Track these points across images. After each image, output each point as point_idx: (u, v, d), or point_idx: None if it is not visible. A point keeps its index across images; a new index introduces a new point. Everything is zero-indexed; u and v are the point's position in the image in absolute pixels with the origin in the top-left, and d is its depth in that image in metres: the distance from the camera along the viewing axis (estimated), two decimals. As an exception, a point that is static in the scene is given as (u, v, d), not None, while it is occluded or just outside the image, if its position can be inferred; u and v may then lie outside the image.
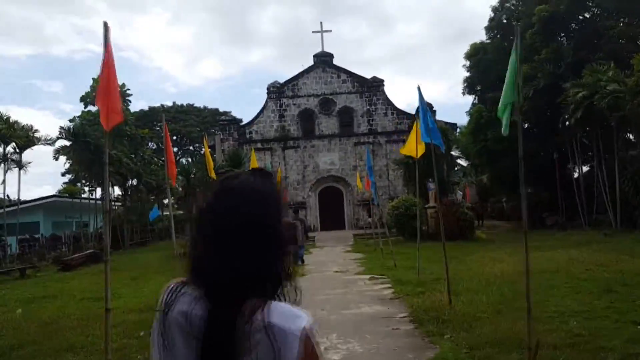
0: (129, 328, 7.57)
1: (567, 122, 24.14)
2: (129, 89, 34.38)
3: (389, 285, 10.33)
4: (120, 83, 24.68)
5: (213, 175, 10.30)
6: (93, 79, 33.68)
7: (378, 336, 6.41)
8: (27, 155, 24.81)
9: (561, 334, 5.87)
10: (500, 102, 5.54)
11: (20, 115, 54.68)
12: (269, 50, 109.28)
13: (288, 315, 1.16)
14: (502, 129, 5.67)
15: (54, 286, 14.83)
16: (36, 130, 23.76)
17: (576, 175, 30.01)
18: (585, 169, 28.75)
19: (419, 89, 8.65)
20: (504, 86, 5.44)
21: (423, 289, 9.24)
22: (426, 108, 8.43)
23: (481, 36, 34.24)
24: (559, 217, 28.37)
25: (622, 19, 27.06)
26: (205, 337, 1.16)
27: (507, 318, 6.65)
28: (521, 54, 5.37)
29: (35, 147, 25.03)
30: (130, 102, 34.85)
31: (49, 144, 23.68)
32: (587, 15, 28.13)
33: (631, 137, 25.95)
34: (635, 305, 7.04)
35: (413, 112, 32.48)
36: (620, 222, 21.36)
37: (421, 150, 10.61)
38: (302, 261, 16.41)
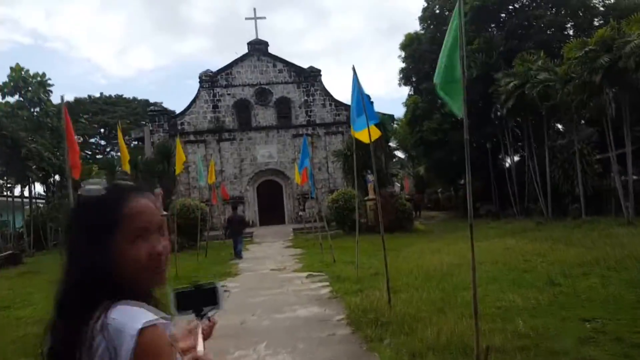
0: (30, 343, 6.55)
1: (499, 112, 24.51)
2: (49, 79, 31.98)
3: (327, 283, 9.77)
4: (40, 72, 22.46)
5: (127, 168, 9.30)
6: (11, 68, 31.10)
7: (312, 344, 5.79)
8: None
9: (507, 334, 5.47)
10: (440, 79, 4.87)
11: None
12: (203, 40, 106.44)
13: (128, 315, 1.12)
14: (455, 110, 5.02)
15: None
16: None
17: (508, 165, 30.80)
18: (516, 158, 29.48)
19: (353, 68, 8.03)
20: (444, 60, 4.81)
21: (361, 286, 8.73)
22: (361, 90, 7.80)
23: (416, 27, 34.41)
24: (492, 206, 28.98)
25: (550, 9, 27.83)
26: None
27: (450, 317, 6.21)
28: (465, 25, 4.81)
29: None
30: (51, 92, 32.38)
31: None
32: (517, 5, 28.72)
33: (560, 127, 26.83)
34: (580, 300, 6.80)
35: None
36: (552, 211, 21.89)
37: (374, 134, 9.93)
38: (241, 257, 16.29)
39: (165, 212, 20.74)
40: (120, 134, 9.51)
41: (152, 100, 55.99)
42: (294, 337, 6.12)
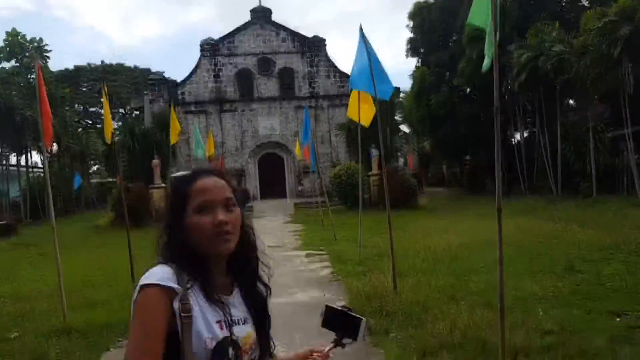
0: (0, 328, 5.99)
1: (510, 86, 23.53)
2: (46, 44, 31.04)
3: (328, 263, 9.16)
4: (37, 38, 21.41)
5: (108, 137, 8.61)
6: (7, 32, 30.15)
7: (310, 335, 5.14)
8: None
9: (529, 330, 4.84)
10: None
11: None
12: (209, 8, 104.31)
13: (150, 272, 1.32)
14: (485, 64, 4.33)
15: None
16: None
17: (516, 141, 29.94)
18: (525, 134, 28.64)
19: (360, 28, 7.21)
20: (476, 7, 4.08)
21: (364, 269, 8.12)
22: (370, 50, 6.93)
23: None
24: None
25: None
26: None
27: (463, 307, 5.59)
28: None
29: None
30: (49, 58, 31.54)
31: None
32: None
33: (572, 102, 25.88)
34: (604, 289, 6.17)
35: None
36: (562, 189, 21.21)
37: (370, 114, 9.18)
38: None
39: (164, 185, 20.20)
40: (105, 100, 8.70)
41: (154, 70, 55.00)
42: (291, 326, 5.50)
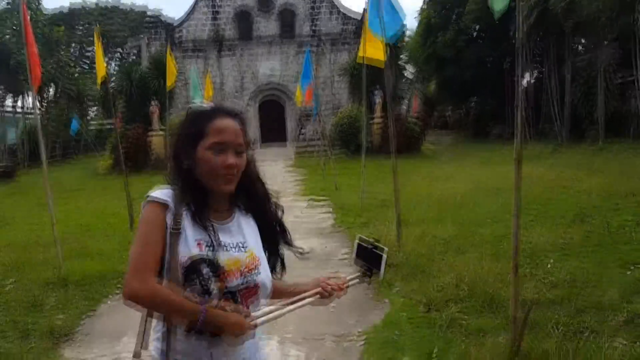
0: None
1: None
2: (36, -18, 29.82)
3: (330, 211, 8.97)
4: None
5: (98, 83, 8.21)
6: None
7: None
8: None
9: (540, 282, 4.67)
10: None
11: None
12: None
13: (154, 190, 1.51)
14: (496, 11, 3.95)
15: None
16: None
17: (523, 85, 29.22)
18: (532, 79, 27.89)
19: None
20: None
21: (367, 218, 7.93)
22: None
23: None
24: (504, 127, 27.81)
25: None
26: None
27: (469, 259, 5.42)
28: None
29: None
30: (40, -2, 30.37)
31: None
32: None
33: (580, 47, 25.01)
34: (614, 240, 5.97)
35: (360, 14, 30.08)
36: (568, 134, 20.83)
37: (378, 53, 8.65)
38: None
39: (163, 128, 19.83)
40: (98, 43, 8.22)
41: (151, 10, 53.06)
42: (290, 278, 5.35)
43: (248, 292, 1.51)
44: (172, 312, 1.41)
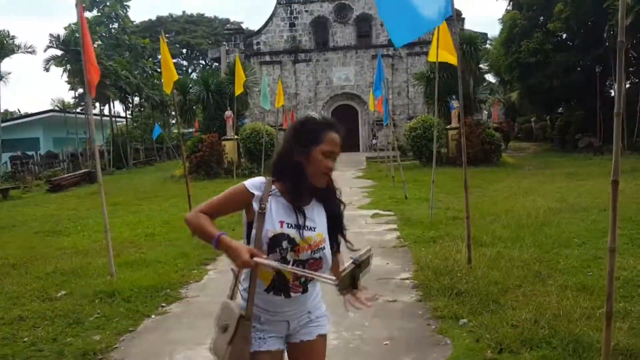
0: (53, 283, 5.86)
1: (613, 31, 20.76)
2: (127, -7, 31.52)
3: (395, 225, 8.42)
4: None
5: (168, 89, 8.10)
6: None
7: (367, 315, 4.52)
8: (10, 65, 22.78)
9: (635, 321, 3.92)
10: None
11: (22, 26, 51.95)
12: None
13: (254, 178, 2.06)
14: None
15: (26, 212, 13.32)
16: (13, 37, 21.47)
17: (613, 93, 26.96)
18: (626, 85, 25.64)
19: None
20: None
21: (435, 234, 7.31)
22: None
23: None
24: (593, 139, 25.78)
25: None
26: None
27: (552, 290, 4.71)
28: None
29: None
30: (129, 7, 32.09)
31: (29, 52, 21.46)
32: None
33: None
34: None
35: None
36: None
37: (449, 56, 8.14)
38: None
39: (234, 137, 20.08)
40: (164, 46, 8.15)
41: (232, 21, 54.87)
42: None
43: (314, 263, 1.95)
44: (200, 234, 1.94)
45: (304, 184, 1.95)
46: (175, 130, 40.22)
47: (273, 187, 1.97)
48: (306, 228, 1.95)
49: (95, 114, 29.69)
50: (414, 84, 27.48)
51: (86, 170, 21.99)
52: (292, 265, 1.88)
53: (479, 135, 19.54)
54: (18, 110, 43.77)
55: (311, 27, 30.95)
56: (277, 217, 1.93)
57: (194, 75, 52.59)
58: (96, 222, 10.71)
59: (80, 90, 29.50)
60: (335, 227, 2.08)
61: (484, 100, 31.28)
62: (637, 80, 25.85)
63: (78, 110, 31.85)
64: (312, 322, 2.08)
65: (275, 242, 1.90)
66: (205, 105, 22.05)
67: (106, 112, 32.94)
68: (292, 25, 30.89)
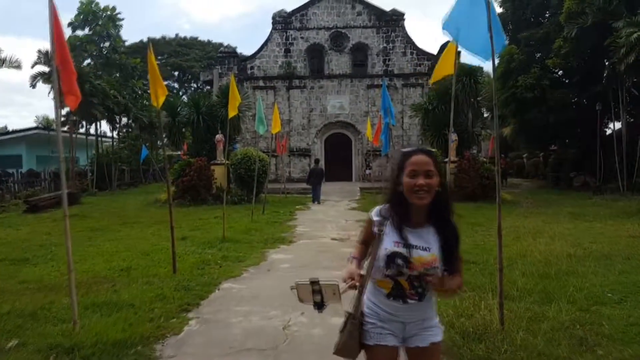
0: (2, 331, 4.90)
1: (617, 68, 20.43)
2: (119, 13, 30.98)
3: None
4: (111, 6, 20.53)
5: (157, 104, 7.26)
6: (81, 1, 30.27)
7: None
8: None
9: None
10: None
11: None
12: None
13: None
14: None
15: (-5, 236, 12.26)
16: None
17: (609, 132, 26.68)
18: (618, 125, 25.36)
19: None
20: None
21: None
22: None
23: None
24: (590, 178, 25.34)
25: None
26: None
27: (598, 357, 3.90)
28: None
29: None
30: (121, 27, 31.49)
31: (15, 67, 20.61)
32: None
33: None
34: None
35: (436, 52, 28.89)
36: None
37: (449, 70, 7.47)
38: (319, 202, 19.65)
39: (224, 161, 19.23)
40: (151, 58, 7.27)
41: (226, 45, 54.50)
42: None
43: (427, 277, 2.26)
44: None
45: (404, 209, 2.27)
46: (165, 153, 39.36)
47: (392, 211, 2.32)
48: (417, 248, 2.24)
49: (80, 133, 28.77)
50: (410, 114, 27.04)
51: (67, 191, 20.92)
52: (407, 279, 2.27)
53: (477, 170, 18.94)
54: (6, 127, 42.59)
55: (307, 53, 30.56)
56: (392, 238, 2.26)
57: (185, 98, 52.01)
58: (63, 251, 9.74)
59: (67, 109, 28.58)
60: (449, 250, 2.29)
61: (478, 134, 30.95)
62: (632, 119, 25.58)
63: (65, 128, 30.83)
64: (426, 330, 2.35)
65: (391, 259, 2.25)
66: (195, 128, 21.25)
67: (93, 131, 32.00)
68: (287, 51, 30.48)
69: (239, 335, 4.79)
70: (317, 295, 2.09)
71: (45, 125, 30.57)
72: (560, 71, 26.36)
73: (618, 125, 25.09)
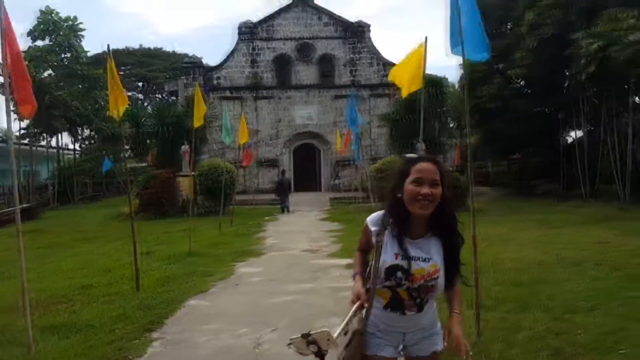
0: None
1: (578, 78, 20.93)
2: (80, 23, 30.17)
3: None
4: (72, 16, 19.81)
5: (114, 114, 6.99)
6: (41, 10, 29.40)
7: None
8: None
9: None
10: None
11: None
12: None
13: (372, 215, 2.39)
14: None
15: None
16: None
17: (570, 140, 27.39)
18: (579, 133, 26.06)
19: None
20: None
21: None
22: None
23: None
24: (554, 185, 25.91)
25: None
26: None
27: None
28: None
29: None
30: (82, 37, 30.66)
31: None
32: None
33: (636, 99, 23.23)
34: None
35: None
36: (630, 194, 18.87)
37: (417, 83, 7.17)
38: (289, 211, 20.08)
39: (191, 173, 18.83)
40: (111, 65, 6.94)
41: (191, 55, 53.88)
42: None
43: (427, 289, 2.20)
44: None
45: (404, 218, 2.18)
46: (129, 165, 38.41)
47: (390, 221, 2.22)
48: (418, 260, 2.17)
49: (41, 146, 27.83)
50: (378, 125, 27.16)
51: (24, 205, 20.11)
52: (407, 290, 2.17)
53: (450, 179, 19.07)
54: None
55: (273, 64, 30.43)
56: (392, 250, 2.18)
57: (149, 109, 51.07)
58: (28, 267, 9.25)
59: (27, 122, 27.62)
60: (452, 260, 2.23)
61: (445, 144, 31.33)
62: (591, 127, 26.28)
63: (26, 141, 29.81)
64: (427, 339, 2.30)
65: (390, 272, 2.16)
66: (160, 139, 20.77)
67: (54, 143, 31.06)
68: (254, 61, 30.28)
69: (206, 356, 4.55)
70: (313, 346, 2.06)
71: (4, 138, 29.37)
72: (522, 81, 26.95)
73: (579, 133, 25.78)
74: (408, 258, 2.15)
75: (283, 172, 24.07)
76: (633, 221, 13.49)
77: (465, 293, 5.93)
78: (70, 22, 29.39)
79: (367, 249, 2.35)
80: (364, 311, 2.22)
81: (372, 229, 2.24)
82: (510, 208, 19.91)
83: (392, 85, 29.50)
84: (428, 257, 2.17)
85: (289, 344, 2.12)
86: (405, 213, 2.16)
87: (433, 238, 2.20)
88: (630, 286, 6.42)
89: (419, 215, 2.15)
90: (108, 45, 7.04)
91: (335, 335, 2.16)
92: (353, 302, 2.16)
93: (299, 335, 2.08)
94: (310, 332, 2.07)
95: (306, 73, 30.57)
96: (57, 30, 28.96)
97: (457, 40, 4.91)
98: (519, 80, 26.61)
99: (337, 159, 29.02)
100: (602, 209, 16.88)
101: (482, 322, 4.81)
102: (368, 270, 2.29)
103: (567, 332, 4.74)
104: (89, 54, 33.68)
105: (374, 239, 2.22)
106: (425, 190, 2.10)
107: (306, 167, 30.44)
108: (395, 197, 2.19)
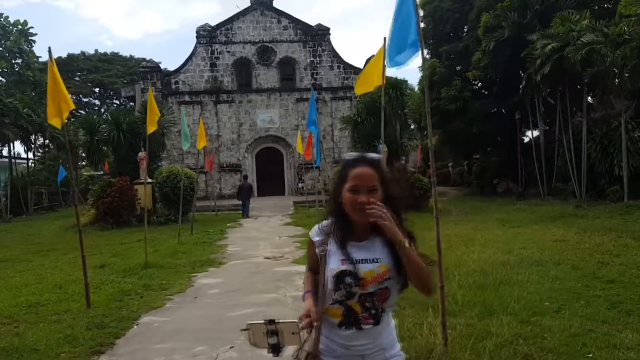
0: None
1: (533, 79, 21.36)
2: (31, 27, 29.09)
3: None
4: (22, 20, 18.90)
5: (54, 122, 6.58)
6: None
7: None
8: None
9: None
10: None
11: None
12: (214, 3, 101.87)
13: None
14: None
15: None
16: None
17: (527, 139, 28.01)
18: (536, 133, 26.69)
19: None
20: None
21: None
22: (416, 11, 4.87)
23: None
24: (512, 184, 26.43)
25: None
26: None
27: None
28: None
29: None
30: (34, 42, 29.54)
31: None
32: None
33: (590, 99, 23.92)
34: None
35: (362, 65, 29.23)
36: (585, 192, 19.35)
37: (377, 81, 7.17)
38: (248, 216, 20.12)
39: (149, 180, 18.27)
40: (53, 67, 6.49)
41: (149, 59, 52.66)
42: None
43: (382, 293, 2.04)
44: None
45: (346, 222, 2.06)
46: (86, 173, 37.12)
47: (333, 226, 2.11)
48: (365, 262, 2.04)
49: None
50: (340, 127, 27.11)
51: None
52: (360, 297, 2.02)
53: (408, 180, 19.12)
54: None
55: (233, 68, 30.01)
56: (337, 256, 2.06)
57: (106, 115, 49.62)
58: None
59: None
60: (400, 262, 2.07)
61: (406, 146, 31.53)
62: (547, 127, 26.94)
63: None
64: None
65: (339, 279, 2.02)
66: (116, 146, 20.07)
67: (5, 153, 29.70)
68: (213, 65, 29.79)
69: (160, 378, 4.25)
70: (272, 336, 1.84)
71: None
72: (480, 83, 27.42)
73: (536, 133, 26.38)
74: (354, 262, 2.01)
75: (245, 176, 23.91)
76: (589, 219, 13.80)
77: (415, 294, 5.82)
78: (20, 27, 28.25)
79: (315, 267, 2.14)
80: (315, 332, 2.01)
81: (315, 239, 2.12)
82: (472, 208, 20.13)
83: (353, 88, 29.51)
84: (375, 258, 2.03)
85: (245, 329, 1.91)
86: (346, 217, 2.04)
87: (378, 238, 2.05)
88: (592, 285, 6.45)
89: (358, 221, 2.03)
90: (49, 48, 6.58)
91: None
92: (300, 320, 1.98)
93: (262, 320, 1.86)
94: (278, 320, 1.86)
95: (267, 76, 30.28)
96: (6, 35, 27.79)
97: (392, 53, 4.87)
98: (477, 82, 27.05)
99: (300, 162, 28.83)
100: (559, 207, 17.23)
101: (449, 330, 4.68)
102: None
103: (534, 336, 4.67)
104: (41, 59, 32.51)
105: (317, 250, 2.08)
106: (362, 198, 1.97)
107: (269, 171, 30.13)
108: (336, 201, 2.07)
